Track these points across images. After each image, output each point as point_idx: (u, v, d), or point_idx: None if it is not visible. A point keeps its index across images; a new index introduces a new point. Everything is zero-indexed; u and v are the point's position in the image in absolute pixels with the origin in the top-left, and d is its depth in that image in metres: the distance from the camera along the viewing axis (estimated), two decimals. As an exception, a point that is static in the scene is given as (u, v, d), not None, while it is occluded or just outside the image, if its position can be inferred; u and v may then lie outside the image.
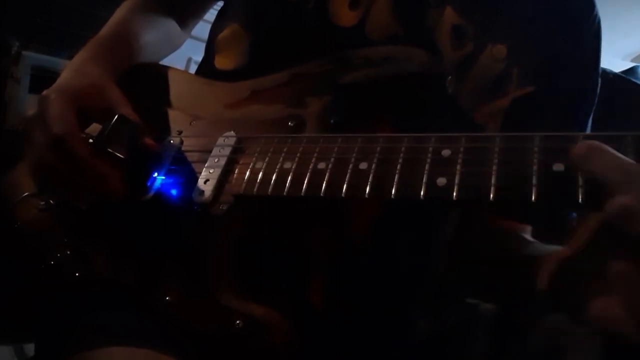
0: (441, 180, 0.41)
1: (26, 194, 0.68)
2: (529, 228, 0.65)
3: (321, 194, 0.46)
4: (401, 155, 0.44)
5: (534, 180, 0.37)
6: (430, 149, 0.43)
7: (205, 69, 0.77)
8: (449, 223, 0.67)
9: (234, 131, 0.58)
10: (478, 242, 0.66)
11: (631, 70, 1.94)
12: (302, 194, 0.47)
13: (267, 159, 0.52)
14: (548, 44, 0.65)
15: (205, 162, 0.57)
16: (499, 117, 0.64)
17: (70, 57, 0.70)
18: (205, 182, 0.55)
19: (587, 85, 0.68)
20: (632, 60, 2.81)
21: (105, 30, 0.76)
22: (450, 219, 0.67)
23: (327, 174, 0.47)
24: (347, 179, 0.45)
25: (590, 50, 0.68)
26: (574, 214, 0.62)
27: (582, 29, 0.67)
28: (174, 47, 0.88)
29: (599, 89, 0.69)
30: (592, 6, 0.68)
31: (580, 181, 0.35)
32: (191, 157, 0.60)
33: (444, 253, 0.71)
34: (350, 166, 0.46)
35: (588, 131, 0.68)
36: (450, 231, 0.67)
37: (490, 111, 0.64)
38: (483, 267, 0.64)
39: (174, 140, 0.62)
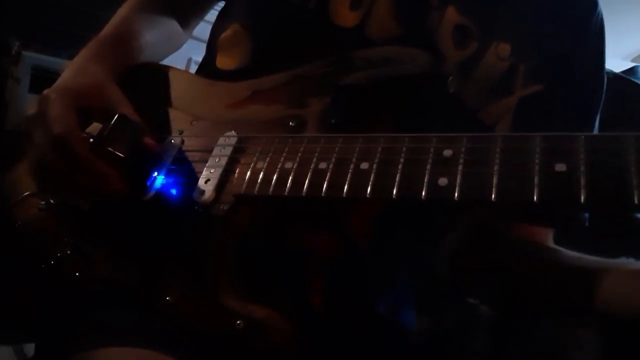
0: (442, 181, 0.41)
1: (27, 193, 0.68)
2: (550, 234, 0.65)
3: (322, 194, 0.46)
4: (402, 155, 0.44)
5: (536, 181, 0.37)
6: (432, 149, 0.43)
7: (207, 69, 0.76)
8: (450, 223, 0.67)
9: (235, 131, 0.58)
10: (504, 256, 0.66)
11: (631, 70, 1.94)
12: (303, 194, 0.47)
13: (268, 159, 0.52)
14: (552, 43, 0.65)
15: (206, 161, 0.57)
16: (507, 115, 0.64)
17: (71, 57, 0.71)
18: (206, 182, 0.55)
19: (593, 84, 0.68)
20: (632, 60, 2.81)
21: (106, 30, 0.76)
22: (456, 223, 0.67)
23: (328, 174, 0.47)
24: (348, 179, 0.45)
25: (594, 49, 0.68)
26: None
27: (585, 28, 0.67)
28: (175, 47, 0.88)
29: (605, 88, 0.69)
30: (594, 6, 0.68)
31: (583, 181, 0.35)
32: (192, 156, 0.60)
33: (445, 253, 0.71)
34: (352, 166, 0.46)
35: (596, 130, 0.68)
36: (456, 233, 0.67)
37: (498, 110, 0.64)
38: (517, 282, 0.64)
39: (174, 140, 0.62)
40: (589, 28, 0.68)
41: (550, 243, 0.65)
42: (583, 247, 0.58)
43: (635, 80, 1.34)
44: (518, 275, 0.65)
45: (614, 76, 1.30)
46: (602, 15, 0.69)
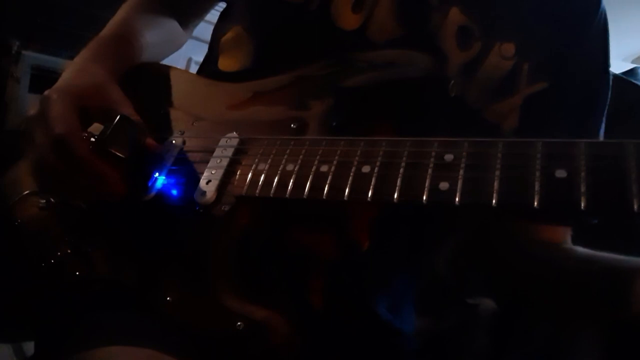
0: (444, 185, 0.41)
1: (27, 192, 0.68)
2: (569, 233, 0.65)
3: (323, 197, 0.46)
4: (404, 159, 0.44)
5: (537, 186, 0.37)
6: (433, 153, 0.43)
7: (208, 70, 0.76)
8: (451, 225, 0.67)
9: (236, 132, 0.58)
10: (505, 256, 0.66)
11: (631, 72, 1.94)
12: (305, 196, 0.47)
13: (269, 160, 0.52)
14: (555, 41, 0.65)
15: (207, 162, 0.57)
16: (513, 114, 0.64)
17: (71, 57, 0.70)
18: (207, 183, 0.55)
19: (595, 84, 0.68)
20: (633, 62, 2.81)
21: (106, 30, 0.76)
22: (456, 224, 0.67)
23: (329, 177, 0.47)
24: (349, 182, 0.45)
25: (596, 49, 0.68)
26: None
27: (585, 28, 0.67)
28: (175, 47, 0.88)
29: (610, 87, 0.68)
30: (596, 6, 0.68)
31: (583, 188, 0.35)
32: (193, 157, 0.60)
33: (445, 253, 0.72)
34: (353, 169, 0.46)
35: (602, 131, 0.68)
36: (456, 234, 0.67)
37: (503, 109, 0.64)
38: (518, 282, 0.64)
39: (176, 141, 0.62)
40: (590, 28, 0.67)
41: (568, 243, 0.65)
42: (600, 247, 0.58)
43: (636, 82, 1.34)
44: (519, 275, 0.65)
45: (613, 77, 1.30)
46: (605, 15, 0.68)
